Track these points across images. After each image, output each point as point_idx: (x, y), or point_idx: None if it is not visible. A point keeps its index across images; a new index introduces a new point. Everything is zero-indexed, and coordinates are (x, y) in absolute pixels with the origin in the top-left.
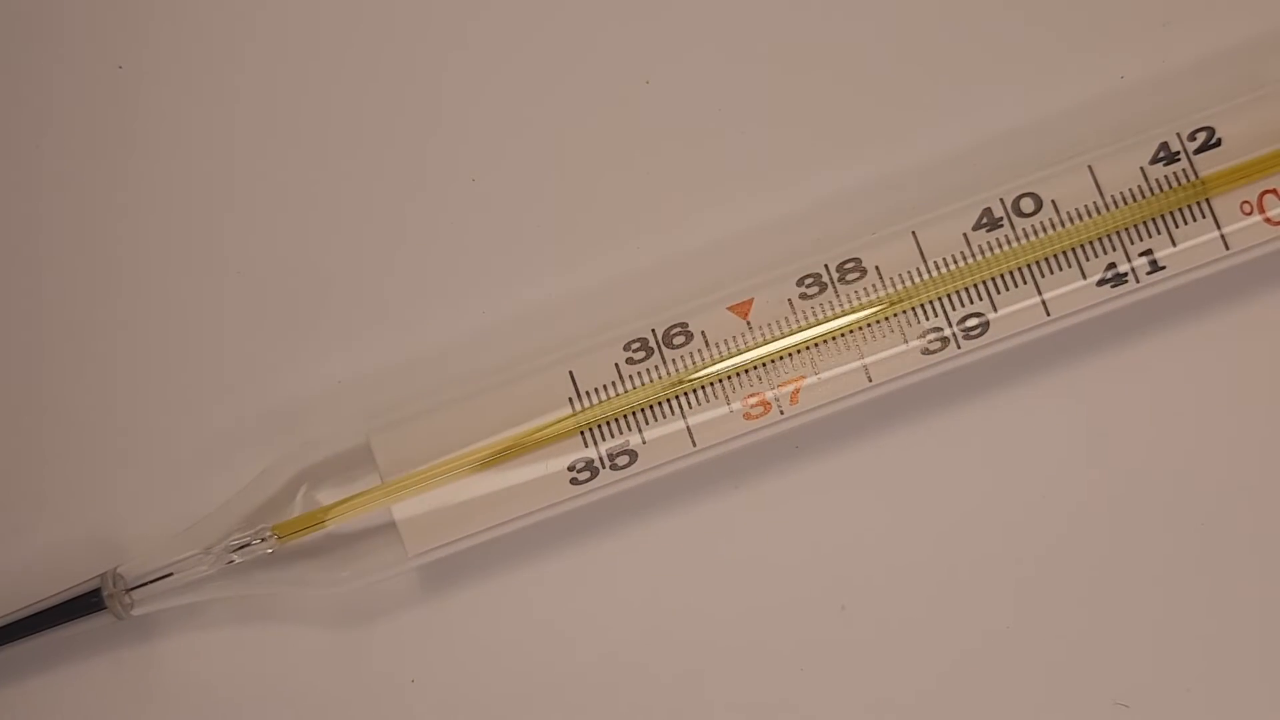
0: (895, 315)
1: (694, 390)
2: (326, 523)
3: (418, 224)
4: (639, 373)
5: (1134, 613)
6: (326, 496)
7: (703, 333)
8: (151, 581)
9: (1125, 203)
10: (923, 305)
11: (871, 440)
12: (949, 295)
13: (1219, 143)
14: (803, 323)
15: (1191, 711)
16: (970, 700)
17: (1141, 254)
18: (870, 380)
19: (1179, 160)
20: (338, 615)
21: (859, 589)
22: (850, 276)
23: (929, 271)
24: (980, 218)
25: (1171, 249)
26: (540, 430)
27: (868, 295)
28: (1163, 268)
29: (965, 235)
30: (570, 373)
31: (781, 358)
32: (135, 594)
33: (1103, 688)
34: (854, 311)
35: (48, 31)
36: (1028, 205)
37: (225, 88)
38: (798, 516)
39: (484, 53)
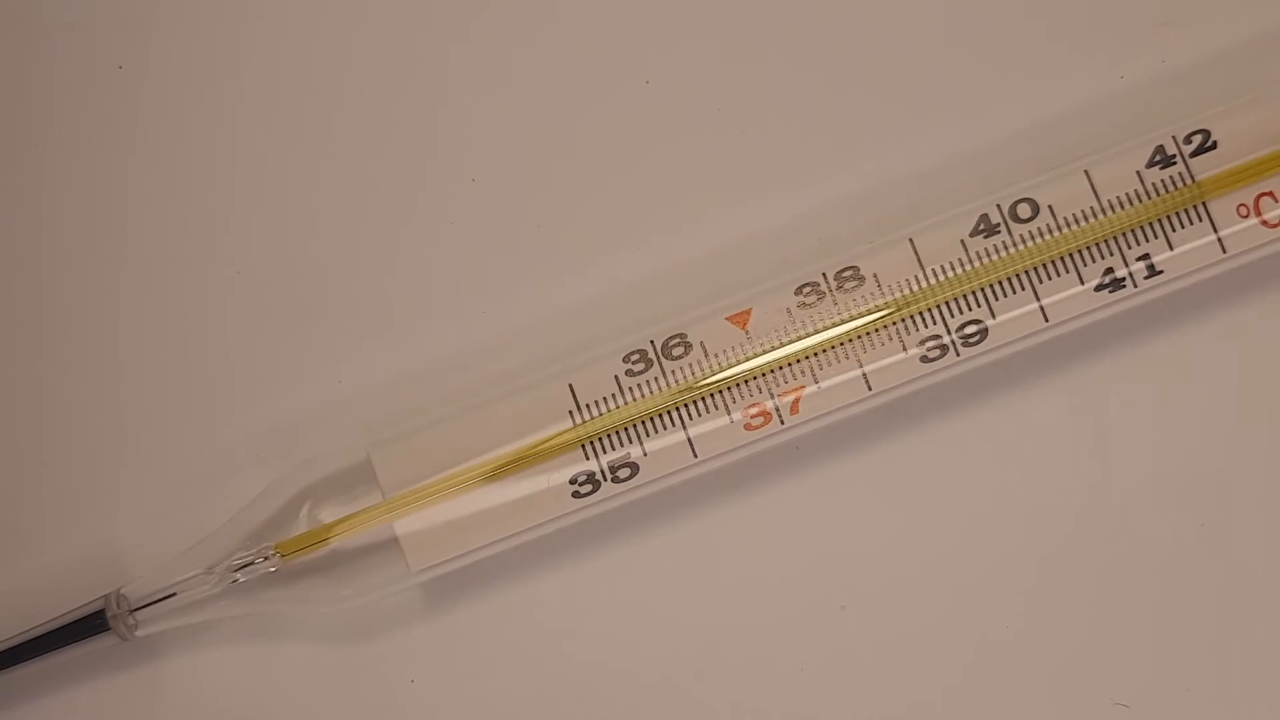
0: (894, 323)
1: (694, 401)
2: (329, 540)
3: (416, 230)
4: (639, 384)
5: (1134, 613)
6: (329, 513)
7: (702, 343)
8: (155, 602)
9: (1122, 207)
10: (921, 313)
11: (872, 443)
12: (947, 303)
13: (1214, 145)
14: (802, 332)
15: (1191, 711)
16: (970, 700)
17: (1139, 259)
18: (870, 389)
19: (1175, 164)
20: (341, 631)
21: (859, 590)
22: (849, 284)
23: (927, 279)
24: (978, 224)
25: (1169, 253)
26: (541, 444)
27: (866, 303)
28: (1160, 272)
29: (963, 241)
30: (570, 385)
31: (781, 367)
32: (139, 615)
33: (1102, 688)
34: (853, 319)
35: (48, 31)
36: (1024, 211)
37: (226, 88)
38: (799, 518)
39: (485, 53)
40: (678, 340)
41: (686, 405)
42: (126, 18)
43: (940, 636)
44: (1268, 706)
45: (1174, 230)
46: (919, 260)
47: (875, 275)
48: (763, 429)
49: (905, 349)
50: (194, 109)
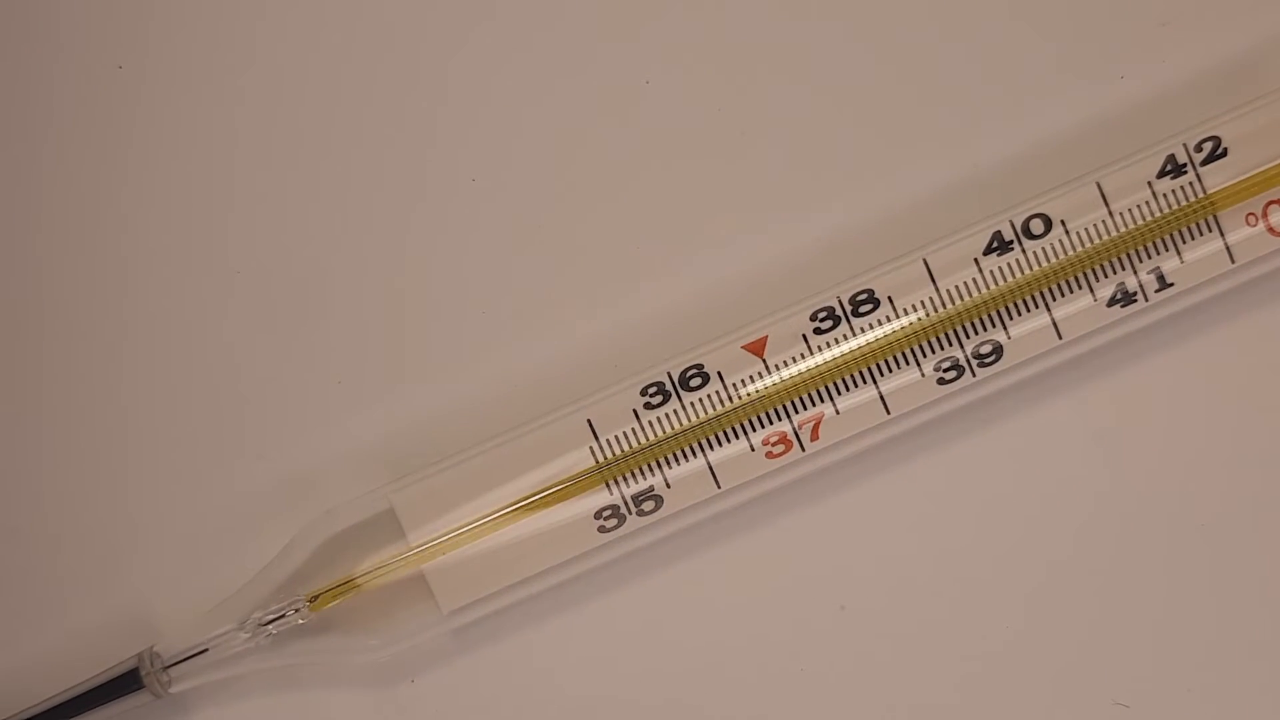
0: (911, 346)
1: (716, 432)
2: (358, 588)
3: (418, 234)
4: (658, 418)
5: (1134, 613)
6: (356, 561)
7: (719, 373)
8: (188, 658)
9: (1134, 219)
10: (938, 335)
11: (876, 449)
12: (963, 324)
13: (1225, 153)
14: (819, 357)
15: (1191, 711)
16: (971, 700)
17: (1150, 271)
18: (889, 412)
19: (1186, 172)
20: (370, 679)
21: (860, 590)
22: (863, 308)
23: (942, 300)
24: (991, 241)
25: (1179, 264)
26: (563, 481)
27: (882, 326)
28: (1171, 284)
29: (976, 260)
30: (589, 421)
31: (800, 395)
32: (172, 671)
33: (1103, 688)
34: (869, 342)
35: (48, 31)
36: (1037, 226)
37: (226, 88)
38: (800, 519)
39: (486, 53)
40: (694, 371)
41: (707, 436)
42: (126, 18)
43: (941, 637)
44: (1268, 706)
45: (1184, 242)
46: (933, 280)
47: (890, 298)
48: (784, 456)
49: (922, 371)
50: (194, 109)
